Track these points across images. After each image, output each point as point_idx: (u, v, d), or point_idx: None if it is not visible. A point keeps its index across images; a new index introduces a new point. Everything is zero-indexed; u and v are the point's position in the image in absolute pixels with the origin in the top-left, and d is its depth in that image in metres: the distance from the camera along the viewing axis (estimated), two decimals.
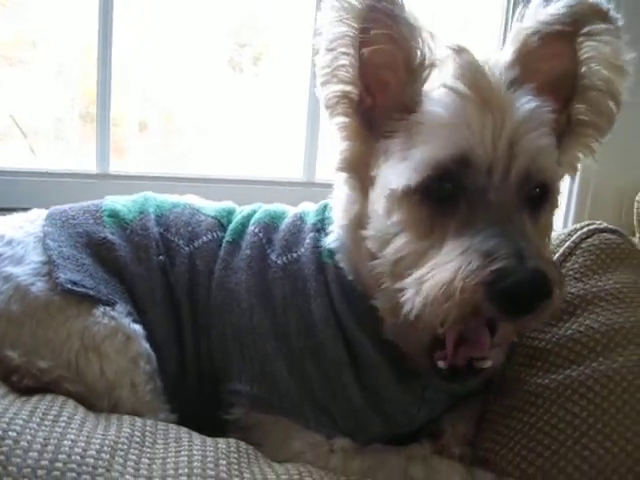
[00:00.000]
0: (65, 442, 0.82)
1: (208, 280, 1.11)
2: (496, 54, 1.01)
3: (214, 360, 1.09)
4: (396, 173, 0.93)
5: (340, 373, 1.03)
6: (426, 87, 0.96)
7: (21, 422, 0.83)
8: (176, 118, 2.20)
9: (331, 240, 1.08)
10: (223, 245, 1.14)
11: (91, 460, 0.81)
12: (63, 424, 0.86)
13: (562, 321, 1.10)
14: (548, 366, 1.08)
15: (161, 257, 1.11)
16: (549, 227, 1.02)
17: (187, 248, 1.13)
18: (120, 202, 1.17)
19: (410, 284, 0.89)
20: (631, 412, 1.00)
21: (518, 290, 0.81)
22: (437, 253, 0.88)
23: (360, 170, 1.00)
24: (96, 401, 0.98)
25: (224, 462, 0.87)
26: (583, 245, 1.19)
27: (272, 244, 1.12)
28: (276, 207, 1.20)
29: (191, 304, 1.10)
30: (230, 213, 1.20)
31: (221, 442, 0.92)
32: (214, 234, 1.15)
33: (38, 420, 0.85)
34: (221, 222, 1.18)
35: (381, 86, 0.98)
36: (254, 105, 2.16)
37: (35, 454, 0.79)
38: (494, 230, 0.85)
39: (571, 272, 1.17)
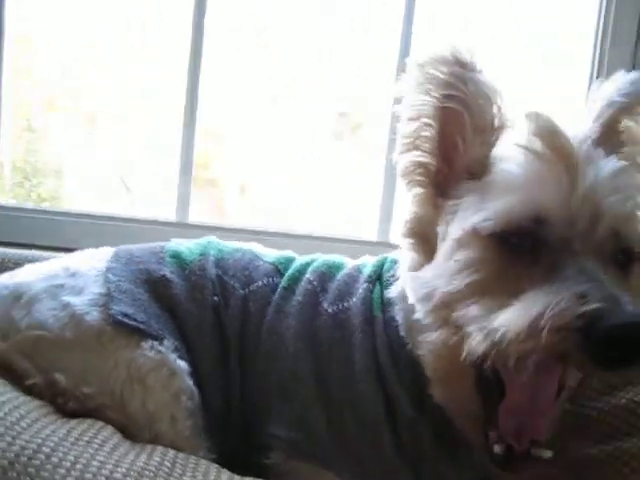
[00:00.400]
0: (94, 462, 0.84)
1: (260, 323, 1.13)
2: (575, 127, 0.99)
3: (257, 401, 1.10)
4: (466, 224, 0.91)
5: (377, 428, 1.01)
6: (496, 149, 0.96)
7: (56, 439, 0.86)
8: (272, 178, 2.29)
9: (392, 293, 1.07)
10: (278, 290, 1.15)
11: None
12: (96, 446, 0.88)
13: (616, 389, 1.04)
14: (599, 436, 1.02)
15: (215, 297, 1.14)
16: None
17: (242, 291, 1.15)
18: (184, 245, 1.22)
19: (476, 320, 0.84)
20: None
21: (623, 333, 0.73)
22: (511, 296, 0.82)
23: (427, 232, 0.99)
24: (137, 432, 1.00)
25: None
26: None
27: (326, 293, 1.13)
28: (335, 257, 1.22)
29: (241, 344, 1.12)
30: (289, 261, 1.22)
31: None
32: (270, 279, 1.17)
33: (72, 440, 0.87)
34: (279, 269, 1.20)
35: (453, 151, 0.98)
36: (351, 170, 2.27)
37: (63, 471, 0.81)
38: (584, 277, 0.80)
39: None
